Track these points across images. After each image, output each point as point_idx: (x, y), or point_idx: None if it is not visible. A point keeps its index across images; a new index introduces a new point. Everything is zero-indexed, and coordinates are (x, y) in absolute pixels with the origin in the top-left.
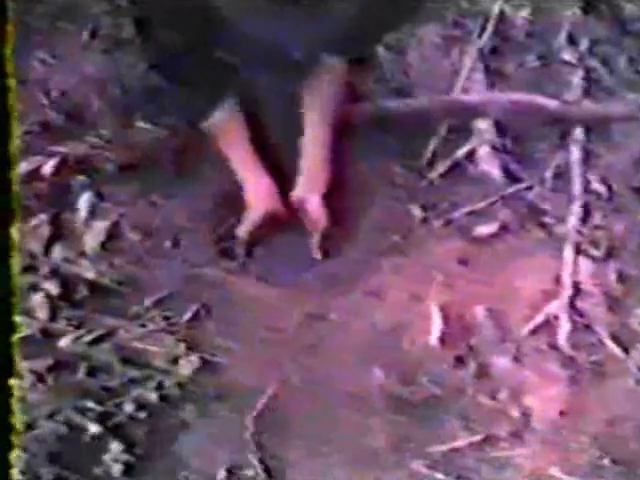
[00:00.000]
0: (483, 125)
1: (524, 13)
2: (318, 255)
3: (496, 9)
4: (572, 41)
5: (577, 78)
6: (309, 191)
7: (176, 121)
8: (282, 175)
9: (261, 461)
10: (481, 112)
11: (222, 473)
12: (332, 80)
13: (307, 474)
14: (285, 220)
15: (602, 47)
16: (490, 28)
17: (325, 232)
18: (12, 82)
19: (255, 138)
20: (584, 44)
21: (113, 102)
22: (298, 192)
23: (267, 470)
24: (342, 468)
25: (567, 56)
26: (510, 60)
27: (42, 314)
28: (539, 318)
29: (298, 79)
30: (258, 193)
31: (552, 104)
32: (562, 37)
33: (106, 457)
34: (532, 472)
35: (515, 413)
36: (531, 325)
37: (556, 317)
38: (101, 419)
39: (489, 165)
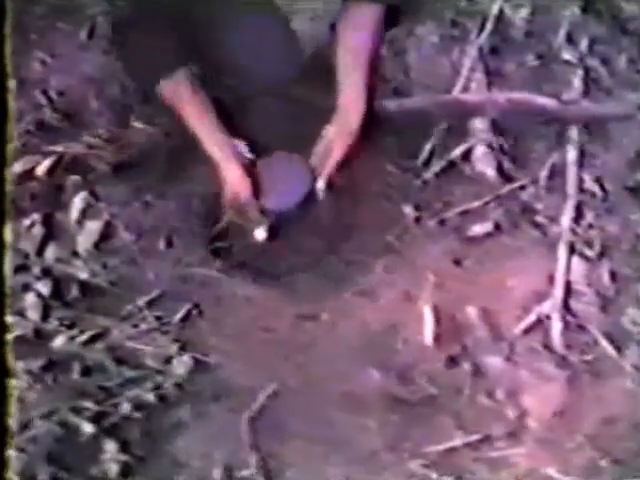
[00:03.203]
0: (480, 125)
1: (523, 13)
2: (321, 192)
3: (495, 9)
4: (571, 40)
5: (576, 78)
6: (341, 129)
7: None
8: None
9: (258, 461)
10: (479, 112)
11: (219, 473)
12: (366, 21)
13: (304, 474)
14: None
15: (601, 47)
16: (489, 28)
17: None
18: (11, 82)
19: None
20: (583, 43)
21: (110, 102)
22: (331, 130)
23: (264, 470)
24: (339, 468)
25: (567, 56)
26: (509, 60)
27: (34, 314)
28: (532, 318)
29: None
30: (226, 158)
31: (550, 103)
32: (561, 36)
33: (103, 457)
34: (528, 472)
35: (510, 413)
36: (524, 325)
37: (549, 317)
38: (97, 419)
39: (485, 165)
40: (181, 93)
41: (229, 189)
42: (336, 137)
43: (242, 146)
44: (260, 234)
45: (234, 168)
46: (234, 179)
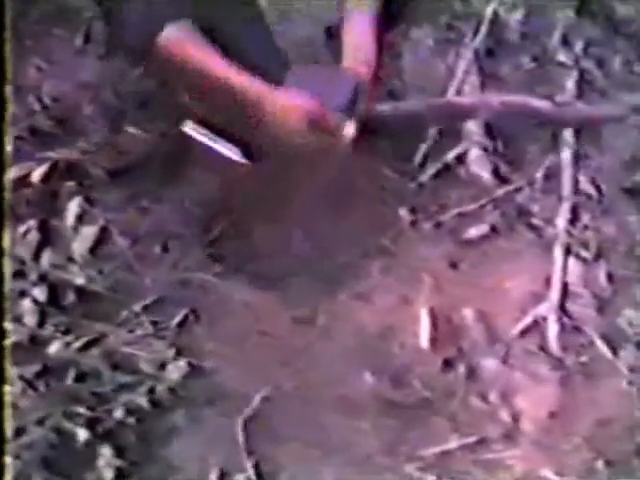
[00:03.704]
0: (474, 127)
1: (518, 15)
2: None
3: (490, 11)
4: (566, 42)
5: (571, 80)
6: (356, 61)
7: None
8: None
9: (253, 465)
10: (473, 114)
11: (214, 477)
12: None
13: (299, 478)
14: None
15: (596, 48)
16: (484, 30)
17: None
18: (7, 88)
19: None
20: (578, 45)
21: (105, 108)
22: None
23: (259, 474)
24: (334, 472)
25: (561, 57)
26: (504, 62)
27: (31, 320)
28: (528, 320)
29: None
30: (266, 88)
31: (544, 106)
32: (556, 38)
33: (97, 463)
34: (524, 474)
35: (506, 415)
36: (520, 327)
37: (545, 319)
38: (91, 425)
39: (480, 167)
40: (190, 40)
41: (290, 111)
42: (356, 66)
43: None
44: (350, 129)
45: (279, 91)
46: (289, 98)
